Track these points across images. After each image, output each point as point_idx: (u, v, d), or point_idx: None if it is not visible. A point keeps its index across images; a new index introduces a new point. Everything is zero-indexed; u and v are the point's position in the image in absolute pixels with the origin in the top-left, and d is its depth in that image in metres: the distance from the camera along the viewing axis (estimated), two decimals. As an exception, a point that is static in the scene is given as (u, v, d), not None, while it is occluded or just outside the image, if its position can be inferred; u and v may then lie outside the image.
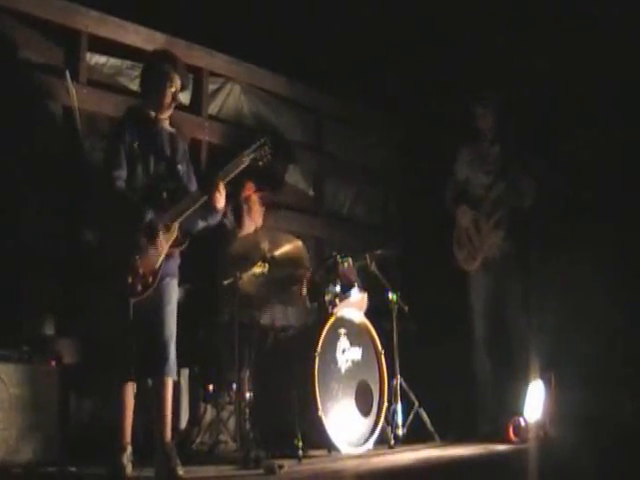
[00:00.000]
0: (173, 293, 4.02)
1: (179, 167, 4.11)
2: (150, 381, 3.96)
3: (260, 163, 4.23)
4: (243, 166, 4.16)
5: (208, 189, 4.03)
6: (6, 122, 4.53)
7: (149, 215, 3.89)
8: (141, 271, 3.84)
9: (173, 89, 4.08)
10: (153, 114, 4.09)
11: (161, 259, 3.90)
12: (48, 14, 4.84)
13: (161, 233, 3.89)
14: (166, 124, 4.17)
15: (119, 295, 3.86)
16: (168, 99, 4.08)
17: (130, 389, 3.91)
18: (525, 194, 5.28)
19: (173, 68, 4.09)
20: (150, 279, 3.86)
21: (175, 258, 4.05)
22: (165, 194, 3.99)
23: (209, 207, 4.06)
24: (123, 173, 3.95)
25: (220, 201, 4.07)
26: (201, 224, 4.17)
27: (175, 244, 3.97)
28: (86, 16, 4.99)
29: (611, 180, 5.62)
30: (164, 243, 3.91)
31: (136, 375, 3.91)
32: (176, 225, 3.95)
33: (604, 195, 5.62)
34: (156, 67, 4.12)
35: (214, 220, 4.25)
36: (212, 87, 5.75)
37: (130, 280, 3.82)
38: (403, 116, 6.66)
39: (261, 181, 5.15)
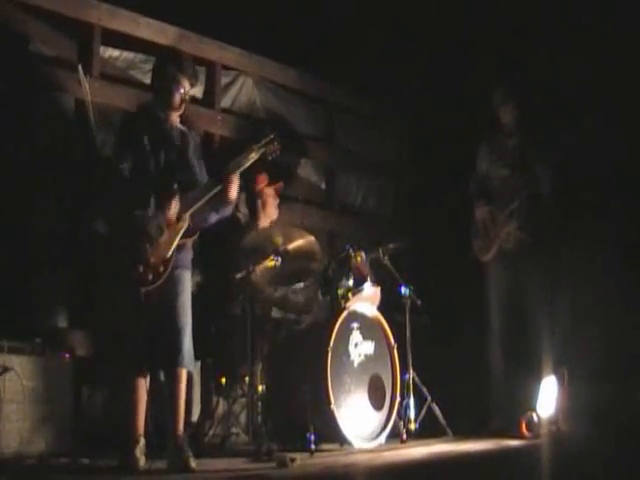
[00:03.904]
0: (186, 284, 4.02)
1: (191, 161, 4.12)
2: (163, 373, 3.96)
3: (270, 158, 4.28)
4: (253, 159, 4.19)
5: (222, 179, 4.05)
6: (19, 116, 4.54)
7: (153, 207, 3.88)
8: (152, 260, 3.84)
9: (181, 91, 4.09)
10: (163, 114, 4.11)
11: (172, 249, 3.90)
12: (60, 7, 4.85)
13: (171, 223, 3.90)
14: (177, 122, 4.18)
15: (130, 285, 3.85)
16: (176, 100, 4.10)
17: (142, 381, 3.92)
18: (541, 182, 5.24)
19: (179, 70, 4.09)
20: (161, 268, 3.86)
21: (188, 250, 4.06)
22: (176, 185, 3.99)
23: (222, 198, 4.08)
24: (127, 165, 3.96)
25: (233, 191, 4.09)
26: (214, 217, 4.19)
27: (187, 235, 3.98)
28: (98, 9, 5.00)
29: (623, 177, 5.59)
30: (175, 233, 3.91)
31: (149, 367, 3.91)
32: (187, 216, 3.96)
33: (615, 192, 5.58)
34: (162, 70, 4.14)
35: (226, 212, 4.27)
36: (224, 80, 5.76)
37: (141, 269, 3.82)
38: (414, 107, 6.62)
39: (274, 174, 5.15)
